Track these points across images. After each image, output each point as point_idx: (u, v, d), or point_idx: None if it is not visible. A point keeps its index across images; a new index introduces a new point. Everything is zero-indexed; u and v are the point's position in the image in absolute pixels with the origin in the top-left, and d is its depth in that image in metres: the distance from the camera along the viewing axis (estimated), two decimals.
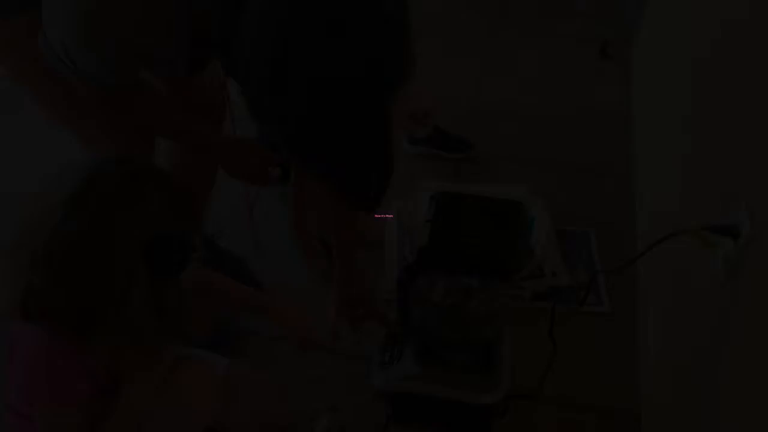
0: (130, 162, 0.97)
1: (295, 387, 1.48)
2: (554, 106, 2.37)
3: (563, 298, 1.66)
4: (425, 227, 1.15)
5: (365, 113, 0.82)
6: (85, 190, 0.91)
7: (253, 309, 1.35)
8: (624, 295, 1.70)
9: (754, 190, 1.06)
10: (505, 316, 1.28)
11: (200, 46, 1.02)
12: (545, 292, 1.69)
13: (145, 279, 0.93)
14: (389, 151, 0.89)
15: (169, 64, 1.05)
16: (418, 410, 1.38)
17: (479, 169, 2.10)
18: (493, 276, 1.12)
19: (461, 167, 2.10)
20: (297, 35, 0.78)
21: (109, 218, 0.90)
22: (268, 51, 0.80)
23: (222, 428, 1.29)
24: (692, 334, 1.22)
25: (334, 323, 1.48)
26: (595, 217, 1.94)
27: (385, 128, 0.86)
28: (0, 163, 2.08)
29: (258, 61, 0.81)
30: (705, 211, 1.21)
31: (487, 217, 1.16)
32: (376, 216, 1.68)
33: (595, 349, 1.59)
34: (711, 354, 1.12)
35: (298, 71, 0.78)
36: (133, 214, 0.91)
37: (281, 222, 1.79)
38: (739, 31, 1.31)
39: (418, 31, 0.87)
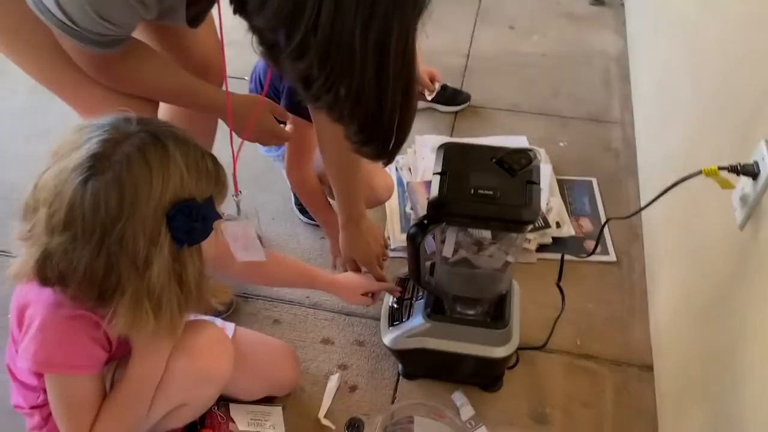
0: (150, 122, 0.91)
1: (302, 349, 1.46)
2: (550, 55, 2.32)
3: (569, 248, 1.64)
4: (433, 179, 1.10)
5: (398, 41, 0.76)
6: (107, 149, 0.85)
7: (317, 288, 1.40)
8: (630, 244, 1.68)
9: None
10: (513, 269, 1.25)
11: None
12: (550, 244, 1.67)
13: (168, 245, 0.88)
14: (414, 94, 0.84)
15: (170, 9, 0.98)
16: (428, 366, 1.36)
17: (477, 122, 2.05)
18: (508, 227, 1.09)
19: (458, 120, 2.06)
20: None
21: (133, 180, 0.84)
22: None
23: (228, 392, 1.28)
24: (707, 280, 1.20)
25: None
26: (596, 165, 1.91)
27: (413, 65, 0.81)
28: None
29: None
30: (713, 155, 1.17)
31: (496, 167, 1.12)
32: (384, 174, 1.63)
33: (604, 300, 1.57)
34: (728, 298, 1.10)
35: None
36: (156, 176, 0.86)
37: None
38: None
39: None
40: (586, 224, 1.73)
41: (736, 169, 1.05)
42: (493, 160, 1.13)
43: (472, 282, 1.21)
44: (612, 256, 1.65)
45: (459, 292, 1.24)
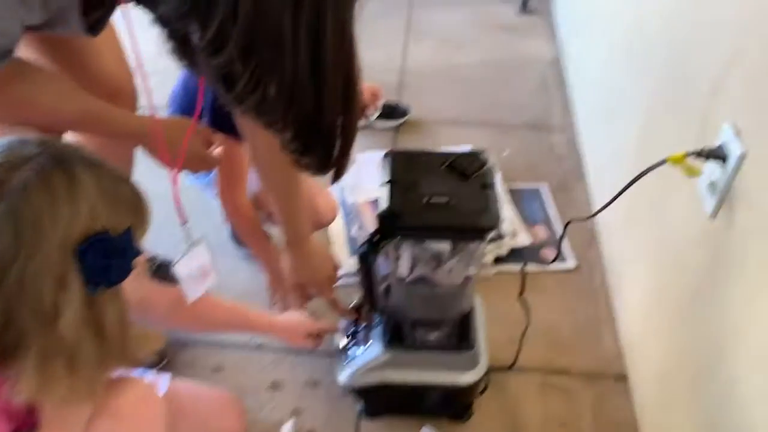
0: (52, 143, 0.75)
1: (249, 396, 1.30)
2: (485, 65, 2.27)
3: (526, 258, 1.56)
4: (382, 191, 0.99)
5: (334, 26, 0.65)
6: (2, 177, 0.70)
7: (255, 331, 1.29)
8: (587, 249, 1.61)
9: (738, 107, 0.97)
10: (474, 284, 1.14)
11: None
12: (506, 255, 1.58)
13: (79, 288, 0.73)
14: (357, 92, 0.73)
15: (60, 13, 0.83)
16: (392, 402, 1.23)
17: (418, 136, 1.96)
18: (467, 237, 0.98)
19: (398, 135, 1.96)
20: None
21: (32, 211, 0.69)
22: None
23: None
24: (680, 278, 1.12)
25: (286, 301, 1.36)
26: (543, 171, 1.84)
27: (353, 57, 0.70)
28: None
29: None
30: (668, 146, 1.11)
31: (448, 173, 1.01)
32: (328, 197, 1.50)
33: (569, 309, 1.48)
34: (706, 294, 1.02)
35: None
36: (61, 206, 0.71)
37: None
38: None
39: None
40: (541, 232, 1.65)
41: (702, 154, 0.98)
42: (444, 166, 1.03)
43: (432, 302, 1.10)
44: (571, 263, 1.57)
45: (419, 314, 1.13)
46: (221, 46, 0.64)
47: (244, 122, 1.10)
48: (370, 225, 1.61)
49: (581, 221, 1.17)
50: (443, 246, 0.99)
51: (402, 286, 1.07)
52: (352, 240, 1.61)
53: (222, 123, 1.20)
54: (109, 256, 0.75)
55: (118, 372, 0.94)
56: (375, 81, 1.97)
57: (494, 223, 0.95)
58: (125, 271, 0.78)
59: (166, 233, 1.62)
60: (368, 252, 0.97)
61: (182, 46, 0.69)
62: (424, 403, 1.21)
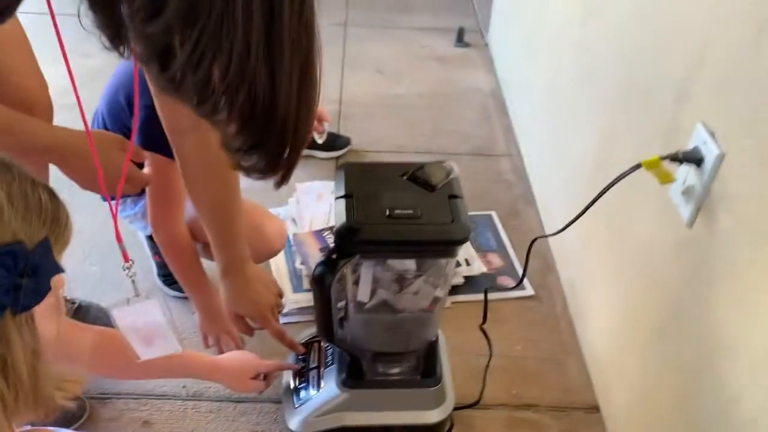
0: None
1: None
2: (426, 96, 2.22)
3: (483, 287, 1.47)
4: (336, 205, 0.88)
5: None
6: None
7: (195, 376, 1.13)
8: (544, 276, 1.54)
9: (708, 109, 0.92)
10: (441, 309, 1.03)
11: None
12: (461, 284, 1.49)
13: None
14: (316, 77, 0.62)
15: None
16: None
17: None
18: (437, 251, 0.88)
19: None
20: None
21: None
22: None
23: None
24: (656, 294, 1.06)
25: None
26: (491, 198, 1.78)
27: (313, 35, 0.59)
28: None
29: None
30: (632, 156, 1.06)
31: (410, 184, 0.92)
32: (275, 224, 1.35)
33: (531, 339, 1.40)
34: (688, 309, 0.95)
35: None
36: None
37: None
38: None
39: None
40: (495, 260, 1.57)
41: (677, 158, 0.92)
42: (405, 177, 0.93)
43: (395, 330, 0.98)
44: (529, 290, 1.50)
45: (380, 346, 1.01)
46: (156, 12, 0.53)
47: (172, 126, 0.96)
48: (315, 257, 1.49)
49: (545, 238, 1.10)
50: (408, 264, 0.89)
51: (361, 314, 0.95)
52: (296, 273, 1.48)
53: (154, 141, 1.06)
54: (19, 272, 0.60)
55: (26, 426, 0.78)
56: (320, 103, 1.88)
57: (466, 234, 0.85)
58: (40, 293, 0.63)
59: (83, 273, 1.46)
60: (324, 273, 0.85)
61: (107, 17, 0.57)
62: None
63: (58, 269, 0.65)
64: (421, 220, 0.86)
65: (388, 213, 0.86)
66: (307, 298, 1.41)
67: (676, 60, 1.02)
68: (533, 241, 1.07)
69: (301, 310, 1.39)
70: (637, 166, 0.93)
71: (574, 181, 1.46)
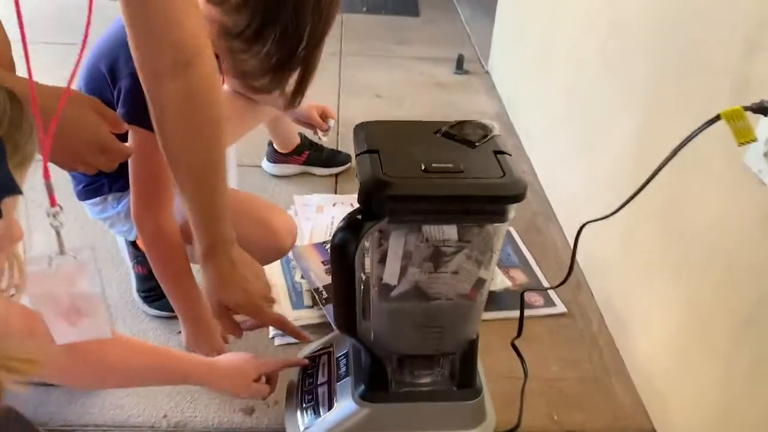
0: None
1: None
2: (427, 118, 2.06)
3: (509, 305, 1.30)
4: (359, 161, 0.72)
5: None
6: None
7: (187, 381, 0.94)
8: (574, 293, 1.37)
9: None
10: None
11: None
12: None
13: None
14: None
15: None
16: None
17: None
18: (487, 209, 0.71)
19: (340, 182, 1.71)
20: None
21: None
22: None
23: None
24: (726, 289, 0.89)
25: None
26: None
27: None
28: None
29: None
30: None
31: (446, 141, 0.76)
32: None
33: (568, 359, 1.21)
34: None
35: None
36: None
37: None
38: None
39: None
40: (519, 276, 1.40)
41: (763, 108, 0.78)
42: (439, 134, 0.77)
43: (428, 324, 0.80)
44: (561, 307, 1.32)
45: (408, 346, 0.82)
46: None
47: (150, 68, 0.79)
48: (317, 270, 1.31)
49: (596, 221, 0.93)
50: (448, 232, 0.72)
51: (387, 301, 0.77)
52: (295, 288, 1.29)
53: (138, 112, 0.90)
54: None
55: None
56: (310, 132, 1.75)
57: (521, 190, 0.69)
58: None
59: None
60: (346, 240, 0.67)
61: None
62: None
63: (13, 187, 0.48)
64: (465, 175, 0.70)
65: (423, 167, 0.70)
66: (308, 315, 1.23)
67: (743, 8, 0.89)
68: (582, 227, 0.91)
69: (302, 329, 1.19)
70: (716, 118, 0.78)
71: (608, 185, 1.31)
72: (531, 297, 1.34)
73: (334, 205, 1.54)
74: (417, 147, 0.74)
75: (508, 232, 1.54)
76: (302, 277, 1.30)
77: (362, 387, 0.84)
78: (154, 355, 0.86)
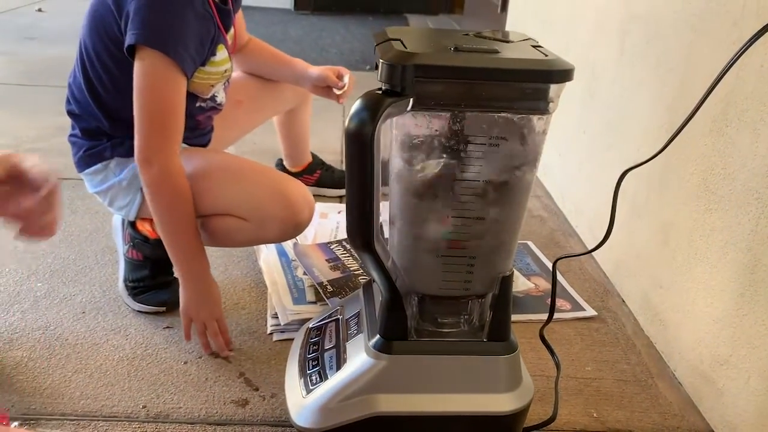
0: None
1: None
2: None
3: (531, 309, 1.18)
4: (380, 51, 0.63)
5: None
6: None
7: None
8: (603, 300, 1.25)
9: None
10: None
11: None
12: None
13: None
14: None
15: None
16: None
17: None
18: (524, 97, 0.61)
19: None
20: None
21: None
22: None
23: None
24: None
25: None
26: (525, 231, 1.52)
27: None
28: None
29: None
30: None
31: (478, 39, 0.68)
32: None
33: (604, 360, 1.08)
34: None
35: None
36: None
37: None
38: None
39: None
40: (541, 283, 1.28)
41: None
42: (470, 35, 0.70)
43: (454, 245, 0.68)
44: (590, 311, 1.20)
45: (431, 282, 0.70)
46: None
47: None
48: (320, 267, 1.20)
49: (636, 167, 0.83)
50: (483, 122, 0.62)
51: (410, 212, 0.66)
52: (296, 284, 1.17)
53: (150, 34, 0.86)
54: None
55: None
56: (324, 149, 1.69)
57: (568, 67, 0.60)
58: None
59: (26, 290, 1.15)
60: (363, 121, 0.57)
61: None
62: None
63: None
64: (502, 55, 0.61)
65: (454, 47, 0.61)
66: (308, 310, 1.10)
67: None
68: (624, 174, 0.81)
69: (302, 322, 1.07)
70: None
71: (633, 187, 1.22)
72: (558, 302, 1.21)
73: (339, 212, 1.44)
74: (446, 39, 0.66)
75: (526, 245, 1.44)
76: (304, 274, 1.18)
77: (377, 337, 0.71)
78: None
